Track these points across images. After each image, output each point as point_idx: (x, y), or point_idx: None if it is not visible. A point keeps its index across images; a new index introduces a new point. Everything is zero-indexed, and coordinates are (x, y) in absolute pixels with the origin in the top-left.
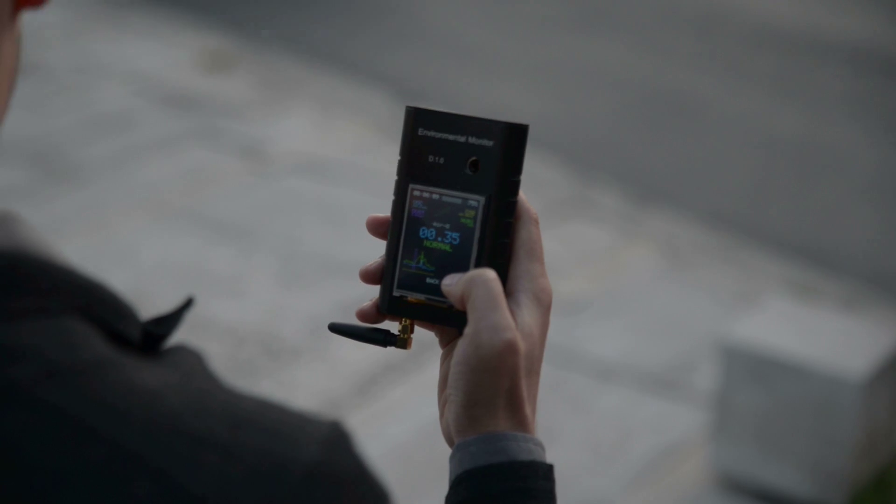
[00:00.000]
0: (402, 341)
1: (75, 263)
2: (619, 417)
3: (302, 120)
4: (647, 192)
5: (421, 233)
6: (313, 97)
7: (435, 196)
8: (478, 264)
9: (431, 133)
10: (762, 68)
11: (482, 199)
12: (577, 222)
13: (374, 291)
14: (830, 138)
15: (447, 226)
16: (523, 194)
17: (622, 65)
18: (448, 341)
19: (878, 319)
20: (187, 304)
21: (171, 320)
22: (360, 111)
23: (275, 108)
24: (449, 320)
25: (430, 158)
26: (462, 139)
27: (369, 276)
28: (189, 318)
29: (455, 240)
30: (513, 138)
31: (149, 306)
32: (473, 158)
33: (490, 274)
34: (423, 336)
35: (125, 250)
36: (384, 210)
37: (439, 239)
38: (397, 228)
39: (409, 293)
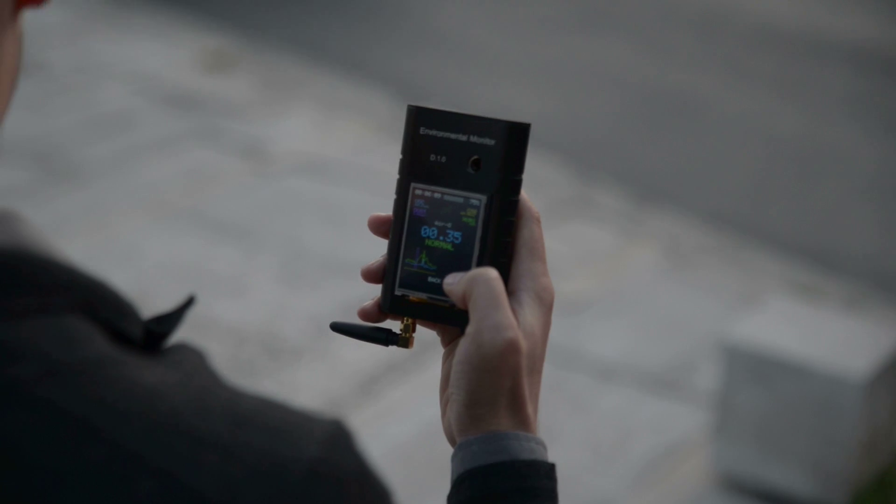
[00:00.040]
0: (403, 340)
1: (76, 262)
2: (619, 417)
3: (303, 120)
4: (648, 192)
5: (423, 232)
6: (314, 97)
7: (437, 195)
8: (480, 263)
9: (433, 132)
10: (762, 68)
11: (484, 198)
12: (578, 222)
13: (375, 290)
14: (831, 138)
15: (449, 225)
16: (525, 193)
17: (623, 65)
18: (450, 340)
19: (879, 319)
20: (188, 302)
21: (172, 319)
22: (360, 111)
23: (276, 107)
24: (451, 319)
25: (432, 157)
26: (464, 138)
27: (371, 275)
28: (190, 318)
29: (457, 239)
30: (514, 137)
31: (150, 306)
32: (475, 157)
33: (492, 273)
34: (425, 336)
35: (126, 250)
36: (385, 210)
37: (441, 238)
38: (399, 227)
39: (411, 292)
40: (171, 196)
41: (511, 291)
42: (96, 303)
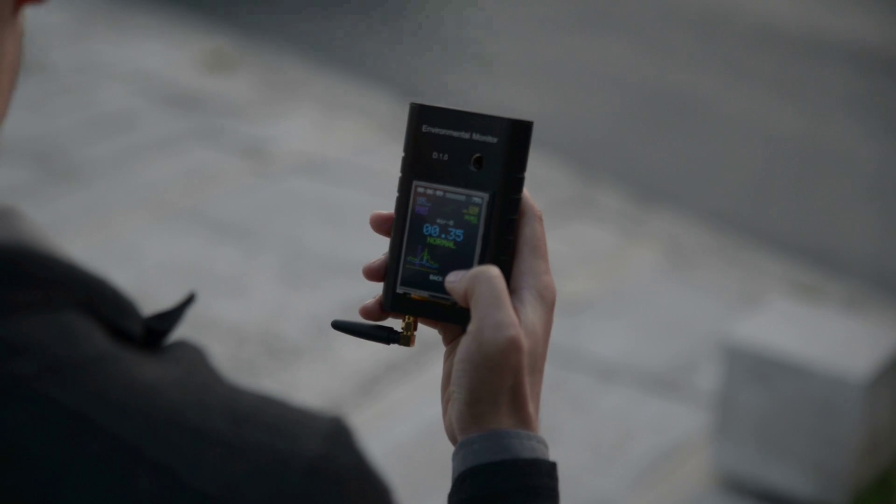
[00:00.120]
0: (405, 338)
1: (77, 259)
2: (620, 417)
3: (303, 120)
4: (649, 192)
5: (425, 230)
6: (315, 97)
7: (439, 193)
8: (482, 261)
9: (436, 130)
10: (763, 68)
11: (486, 196)
12: (579, 222)
13: (377, 289)
14: (832, 138)
15: (451, 223)
16: (527, 191)
17: (623, 65)
18: (451, 339)
19: (880, 320)
20: (189, 299)
21: (172, 316)
22: (361, 111)
23: (276, 108)
24: (452, 317)
25: (435, 155)
26: (466, 136)
27: (372, 274)
28: (191, 318)
29: (459, 237)
30: (517, 135)
31: (151, 306)
32: (477, 155)
33: (494, 271)
34: (425, 336)
35: (127, 250)
36: (386, 209)
37: (443, 236)
38: (401, 225)
39: (413, 290)
40: (172, 196)
41: (513, 290)
42: (96, 299)
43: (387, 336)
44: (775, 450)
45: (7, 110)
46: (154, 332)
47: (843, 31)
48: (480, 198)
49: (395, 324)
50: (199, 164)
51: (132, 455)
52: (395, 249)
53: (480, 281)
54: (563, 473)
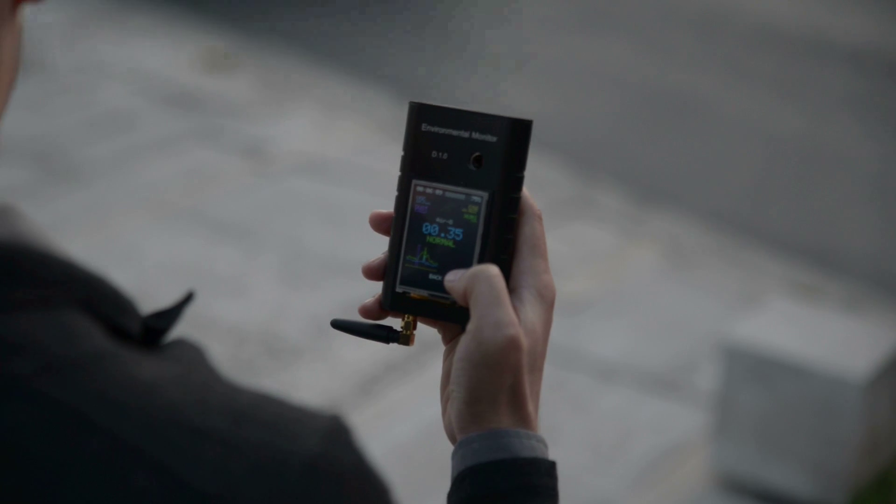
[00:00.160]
0: (404, 338)
1: (75, 257)
2: (620, 417)
3: (303, 120)
4: (649, 193)
5: (424, 229)
6: (314, 97)
7: (438, 192)
8: (481, 260)
9: (435, 128)
10: (763, 68)
11: (486, 195)
12: (578, 222)
13: (376, 288)
14: (832, 138)
15: (450, 221)
16: (527, 190)
17: (623, 65)
18: (451, 338)
19: (879, 320)
20: (188, 298)
21: (171, 314)
22: (360, 111)
23: (276, 108)
24: (452, 316)
25: (434, 154)
26: (466, 134)
27: (372, 273)
28: (191, 318)
29: (458, 236)
30: (516, 134)
31: (151, 306)
32: (477, 154)
33: (493, 270)
34: (425, 336)
35: (127, 250)
36: (386, 209)
37: (442, 235)
38: (400, 224)
39: (412, 289)
40: (171, 196)
41: (512, 288)
42: (95, 297)
43: (386, 335)
44: (775, 450)
45: (6, 108)
46: (153, 330)
47: (843, 31)
48: (480, 197)
49: (395, 323)
50: (199, 164)
51: (131, 453)
52: (394, 248)
53: (480, 280)
54: (563, 473)
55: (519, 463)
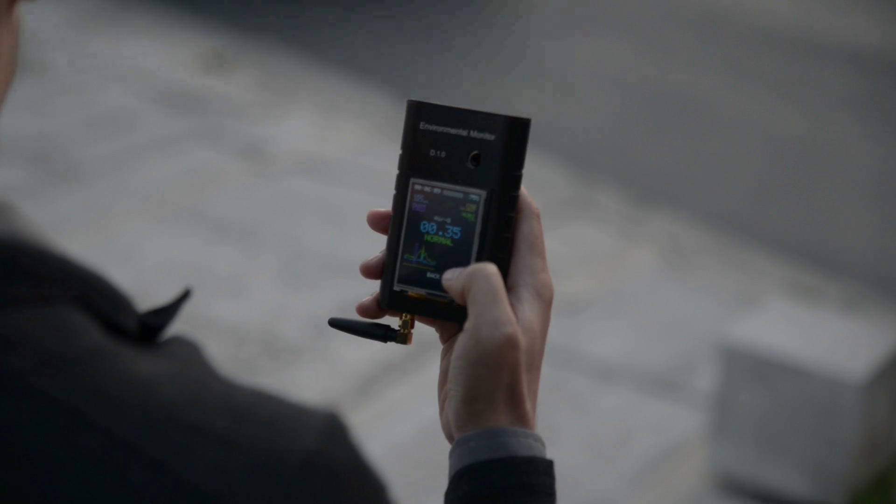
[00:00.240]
0: (402, 336)
1: (73, 254)
2: (619, 418)
3: (302, 120)
4: (648, 193)
5: (422, 227)
6: (314, 97)
7: (436, 190)
8: (479, 259)
9: (433, 127)
10: (763, 68)
11: (483, 194)
12: (578, 223)
13: (374, 288)
14: (832, 139)
15: (448, 220)
16: (525, 189)
17: (623, 65)
18: (449, 336)
19: (878, 321)
20: (184, 295)
21: (168, 312)
22: (360, 111)
23: (276, 108)
24: (450, 315)
25: (432, 152)
26: (464, 133)
27: (370, 271)
28: (190, 318)
29: (456, 234)
30: (514, 132)
31: (150, 306)
32: (475, 152)
33: (491, 268)
34: (424, 336)
35: (126, 250)
36: (384, 209)
37: (440, 233)
38: (398, 223)
39: (410, 288)
40: (171, 196)
41: (510, 287)
42: (92, 294)
43: (384, 334)
44: (774, 450)
45: (3, 104)
46: (149, 327)
47: (843, 31)
48: (478, 195)
49: (393, 321)
50: (198, 164)
51: (127, 450)
52: (392, 247)
53: (477, 278)
54: (562, 473)
55: (516, 462)
